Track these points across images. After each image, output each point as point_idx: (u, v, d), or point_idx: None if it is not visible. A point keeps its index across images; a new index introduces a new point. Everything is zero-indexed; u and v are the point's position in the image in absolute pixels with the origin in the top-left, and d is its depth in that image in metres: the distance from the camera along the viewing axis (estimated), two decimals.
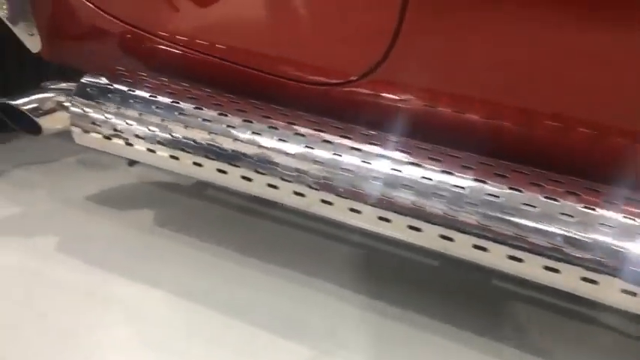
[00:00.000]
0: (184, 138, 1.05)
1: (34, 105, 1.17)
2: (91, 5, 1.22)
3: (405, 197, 0.91)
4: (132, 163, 1.24)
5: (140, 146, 1.09)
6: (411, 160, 0.92)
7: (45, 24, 1.28)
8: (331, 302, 1.14)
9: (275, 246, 1.29)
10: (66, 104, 1.16)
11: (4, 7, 1.25)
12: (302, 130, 0.98)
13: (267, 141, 0.99)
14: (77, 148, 1.31)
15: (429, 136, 0.98)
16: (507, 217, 0.86)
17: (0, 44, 1.32)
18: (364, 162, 0.94)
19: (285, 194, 0.99)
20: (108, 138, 1.11)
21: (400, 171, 0.92)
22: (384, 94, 1.01)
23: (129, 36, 1.21)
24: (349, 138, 0.97)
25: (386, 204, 0.92)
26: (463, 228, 0.88)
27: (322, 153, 0.96)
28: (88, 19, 1.24)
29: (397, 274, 1.25)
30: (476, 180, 0.89)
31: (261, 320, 1.08)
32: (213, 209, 1.40)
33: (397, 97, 1.00)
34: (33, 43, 1.30)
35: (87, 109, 1.12)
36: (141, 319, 1.07)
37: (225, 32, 1.13)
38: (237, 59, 1.11)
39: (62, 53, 1.32)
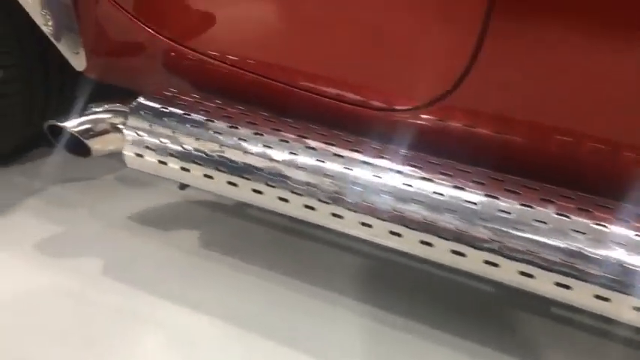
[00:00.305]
0: (244, 164, 1.02)
1: (85, 127, 1.15)
2: (137, 22, 1.19)
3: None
4: (183, 186, 1.22)
5: (197, 172, 1.07)
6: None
7: (91, 41, 1.25)
8: (378, 327, 1.12)
9: (322, 268, 1.27)
10: (118, 126, 1.13)
11: (49, 23, 1.23)
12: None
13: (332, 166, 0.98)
14: (115, 165, 1.29)
15: (497, 166, 0.95)
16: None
17: (43, 62, 1.29)
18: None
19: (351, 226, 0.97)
20: (163, 163, 1.09)
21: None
22: (451, 123, 0.98)
23: (175, 54, 1.18)
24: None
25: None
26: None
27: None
28: (134, 36, 1.21)
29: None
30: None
31: (309, 346, 1.06)
32: (258, 229, 1.38)
33: (466, 125, 0.97)
34: (78, 60, 1.27)
35: (141, 133, 1.09)
36: (188, 344, 1.05)
37: (281, 52, 1.10)
38: (295, 82, 1.08)
39: (107, 71, 1.29)
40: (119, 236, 1.33)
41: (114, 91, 1.33)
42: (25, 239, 1.32)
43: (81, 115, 1.16)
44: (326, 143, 1.00)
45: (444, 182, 0.92)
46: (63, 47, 1.25)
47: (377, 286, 1.23)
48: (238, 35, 1.14)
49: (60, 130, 1.16)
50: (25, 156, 1.53)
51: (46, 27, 1.22)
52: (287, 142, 1.01)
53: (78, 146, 1.17)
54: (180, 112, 1.09)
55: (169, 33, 1.18)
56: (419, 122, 1.01)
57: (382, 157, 0.97)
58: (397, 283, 1.25)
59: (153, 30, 1.19)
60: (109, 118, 1.14)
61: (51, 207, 1.41)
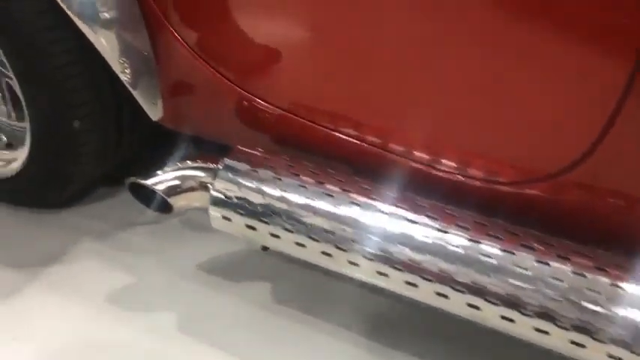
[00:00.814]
0: (340, 236, 0.99)
1: (167, 184, 1.12)
2: (216, 73, 1.16)
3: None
4: (266, 248, 1.18)
5: (288, 238, 1.03)
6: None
7: (168, 90, 1.22)
8: None
9: (404, 330, 1.22)
10: (204, 185, 1.10)
11: (127, 71, 1.19)
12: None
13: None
14: None
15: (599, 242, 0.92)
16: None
17: (118, 111, 1.26)
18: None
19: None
20: (251, 228, 1.05)
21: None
22: (570, 197, 0.94)
23: (255, 108, 1.15)
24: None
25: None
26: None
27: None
28: (213, 88, 1.18)
29: None
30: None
31: None
32: (333, 282, 1.34)
33: (589, 201, 0.93)
34: (154, 109, 1.24)
35: (229, 196, 1.06)
36: None
37: (378, 112, 1.06)
38: (391, 147, 1.05)
39: (183, 121, 1.26)
40: (188, 287, 1.30)
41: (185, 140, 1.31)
42: (89, 286, 1.30)
43: (163, 171, 1.13)
44: (429, 217, 0.96)
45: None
46: (140, 96, 1.21)
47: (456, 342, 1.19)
48: (326, 93, 1.11)
49: (140, 186, 1.13)
50: (89, 197, 1.50)
51: (124, 75, 1.18)
52: (385, 213, 0.98)
53: (160, 203, 1.14)
54: (272, 174, 1.05)
55: (248, 86, 1.15)
56: (523, 196, 0.97)
57: (487, 235, 0.93)
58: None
59: (232, 82, 1.16)
60: (194, 176, 1.11)
61: (116, 252, 1.38)
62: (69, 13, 1.09)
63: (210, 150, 1.20)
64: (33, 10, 1.11)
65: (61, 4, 1.09)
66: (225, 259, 1.37)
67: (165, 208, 1.14)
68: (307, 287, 1.32)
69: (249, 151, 1.10)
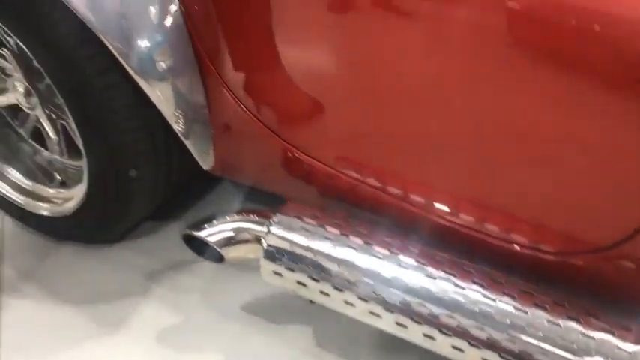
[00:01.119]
0: (391, 300, 1.02)
1: (220, 236, 1.16)
2: (266, 129, 1.19)
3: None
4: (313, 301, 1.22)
5: (337, 297, 1.07)
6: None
7: (220, 142, 1.26)
8: None
9: None
10: (256, 238, 1.14)
11: (181, 122, 1.23)
12: None
13: None
14: None
15: None
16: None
17: (170, 159, 1.30)
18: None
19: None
20: (302, 284, 1.09)
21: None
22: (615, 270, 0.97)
23: (303, 163, 1.18)
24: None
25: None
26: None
27: None
28: (264, 144, 1.22)
29: None
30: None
31: None
32: (377, 331, 1.36)
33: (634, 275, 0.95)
34: (205, 159, 1.28)
35: (281, 251, 1.10)
36: None
37: (425, 176, 1.09)
38: (439, 211, 1.08)
39: (234, 172, 1.30)
40: (232, 328, 1.34)
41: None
42: (137, 324, 1.35)
43: (216, 223, 1.17)
44: (478, 284, 1.00)
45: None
46: (192, 146, 1.25)
47: None
48: (369, 150, 1.13)
49: (194, 236, 1.18)
50: (135, 231, 1.54)
51: (177, 126, 1.22)
52: (433, 277, 1.01)
53: (212, 252, 1.18)
54: (322, 232, 1.09)
55: (294, 139, 1.19)
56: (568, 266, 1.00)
57: (535, 304, 0.97)
58: None
59: (278, 135, 1.19)
60: (247, 228, 1.15)
61: (162, 290, 1.43)
62: (127, 67, 1.14)
63: (261, 197, 1.23)
64: (95, 70, 1.15)
65: (120, 58, 1.13)
66: (269, 300, 1.41)
67: (218, 257, 1.18)
68: (350, 332, 1.34)
69: (301, 206, 1.14)
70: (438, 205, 1.08)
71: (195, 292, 1.42)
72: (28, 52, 1.20)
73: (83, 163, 1.30)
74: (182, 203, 1.61)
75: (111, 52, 1.11)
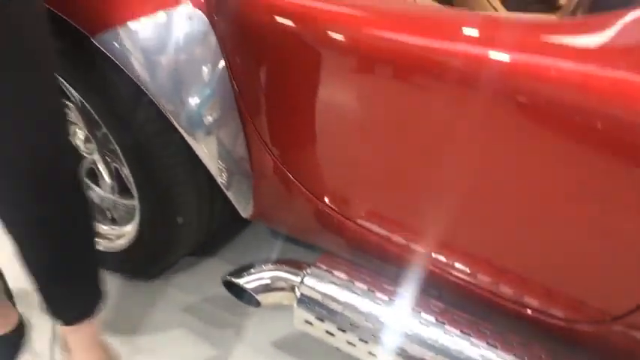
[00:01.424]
0: (409, 349, 1.11)
1: (258, 283, 1.26)
2: (301, 186, 1.29)
3: None
4: None
5: (362, 348, 1.16)
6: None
7: (258, 193, 1.37)
8: None
9: None
10: (293, 287, 1.24)
11: (223, 174, 1.34)
12: None
13: None
14: None
15: None
16: None
17: (212, 207, 1.41)
18: None
19: None
20: (330, 334, 1.19)
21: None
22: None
23: (335, 221, 1.28)
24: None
25: None
26: None
27: None
28: (300, 200, 1.32)
29: None
30: None
31: None
32: None
33: None
34: (245, 208, 1.39)
35: (313, 302, 1.20)
36: None
37: (455, 236, 1.16)
38: (472, 279, 1.16)
39: (273, 220, 1.40)
40: None
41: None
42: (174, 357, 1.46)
43: (255, 271, 1.28)
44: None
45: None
46: (233, 196, 1.36)
47: None
48: (398, 212, 1.22)
49: (234, 283, 1.28)
50: (173, 267, 1.66)
51: (221, 178, 1.33)
52: (458, 337, 1.10)
53: (250, 297, 1.29)
54: (351, 286, 1.19)
55: (329, 202, 1.29)
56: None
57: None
58: None
59: (311, 193, 1.29)
60: (283, 278, 1.25)
61: (197, 323, 1.54)
62: (176, 125, 1.23)
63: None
64: (152, 131, 1.27)
65: (170, 117, 1.22)
66: (300, 337, 1.50)
67: (255, 302, 1.28)
68: None
69: (333, 260, 1.24)
70: (458, 266, 1.17)
71: (229, 327, 1.53)
72: (90, 108, 1.32)
73: (135, 203, 1.42)
74: (217, 241, 1.73)
75: (164, 113, 1.22)
